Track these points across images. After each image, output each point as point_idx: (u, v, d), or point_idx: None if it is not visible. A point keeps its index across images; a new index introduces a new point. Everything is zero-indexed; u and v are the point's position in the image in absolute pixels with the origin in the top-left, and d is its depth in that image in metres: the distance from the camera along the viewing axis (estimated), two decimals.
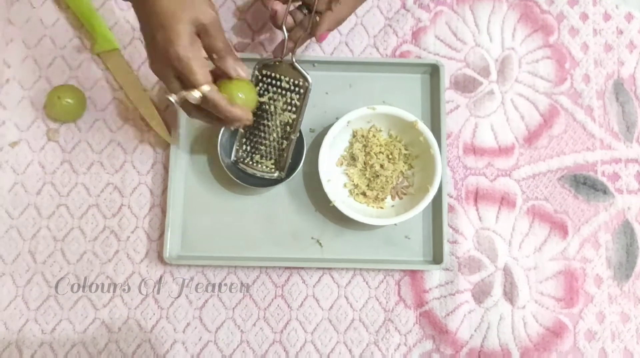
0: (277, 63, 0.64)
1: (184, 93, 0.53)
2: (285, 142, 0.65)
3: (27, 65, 0.73)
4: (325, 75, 0.72)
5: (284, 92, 0.64)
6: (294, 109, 0.64)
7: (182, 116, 0.70)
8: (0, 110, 0.71)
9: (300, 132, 0.67)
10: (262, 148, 0.66)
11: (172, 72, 0.52)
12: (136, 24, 0.74)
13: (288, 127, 0.65)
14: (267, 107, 0.64)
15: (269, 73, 0.64)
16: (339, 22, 0.62)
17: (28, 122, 0.71)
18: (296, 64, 0.63)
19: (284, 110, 0.64)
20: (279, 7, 0.60)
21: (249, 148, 0.67)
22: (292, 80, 0.64)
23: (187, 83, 0.52)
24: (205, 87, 0.52)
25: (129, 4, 0.55)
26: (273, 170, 0.67)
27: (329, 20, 0.60)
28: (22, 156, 0.70)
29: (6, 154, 0.70)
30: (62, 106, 0.68)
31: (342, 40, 0.75)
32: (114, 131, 0.71)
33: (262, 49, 0.74)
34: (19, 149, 0.71)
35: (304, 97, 0.64)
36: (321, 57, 0.73)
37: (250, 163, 0.67)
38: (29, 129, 0.71)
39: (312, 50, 0.74)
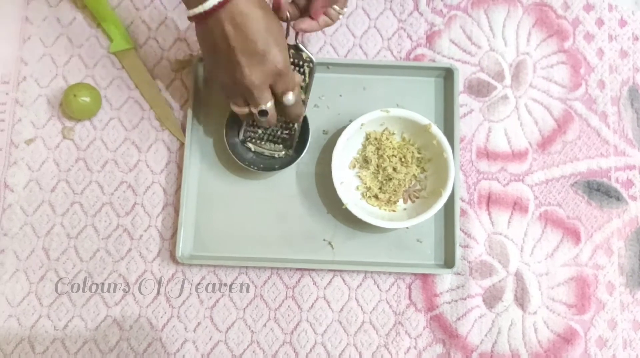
0: None
1: (251, 110, 0.60)
2: (292, 122, 0.67)
3: (44, 63, 0.73)
4: (339, 77, 0.73)
5: None
6: (302, 87, 0.64)
7: (196, 116, 0.71)
8: (17, 107, 0.72)
9: (305, 116, 0.67)
10: (270, 128, 0.68)
11: (271, 82, 0.57)
12: (152, 23, 0.74)
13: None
14: None
15: None
16: (333, 1, 0.61)
17: (44, 120, 0.72)
18: (300, 45, 0.63)
19: None
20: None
21: (256, 127, 0.68)
22: (296, 61, 0.64)
23: (285, 87, 0.58)
24: (297, 89, 0.60)
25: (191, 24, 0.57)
26: (281, 148, 0.69)
27: None
28: (37, 154, 0.71)
29: (22, 151, 0.71)
30: (78, 104, 0.69)
31: (356, 43, 0.75)
32: (129, 130, 0.72)
33: None
34: (34, 147, 0.71)
35: (309, 77, 0.64)
36: (335, 60, 0.73)
37: (258, 141, 0.68)
38: (45, 127, 0.72)
39: (326, 52, 0.74)
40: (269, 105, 0.59)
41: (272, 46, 0.55)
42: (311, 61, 0.64)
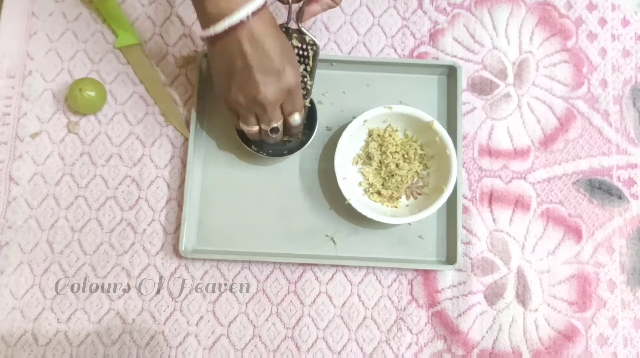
0: (284, 29, 0.63)
1: (262, 127, 0.62)
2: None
3: (50, 58, 0.74)
4: (342, 74, 0.73)
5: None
6: (305, 74, 0.65)
7: (200, 112, 0.71)
8: (23, 101, 0.73)
9: (312, 100, 0.67)
10: None
11: (282, 100, 0.59)
12: (157, 19, 0.75)
13: (304, 89, 0.66)
14: None
15: None
16: None
17: (49, 114, 0.72)
18: (303, 29, 0.63)
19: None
20: None
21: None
22: (300, 45, 0.64)
23: (293, 108, 0.60)
24: (303, 111, 0.63)
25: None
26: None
27: None
28: (42, 147, 0.72)
29: (27, 145, 0.72)
30: (83, 99, 0.69)
31: (359, 40, 0.75)
32: (133, 125, 0.72)
33: None
34: (39, 140, 0.72)
35: (313, 61, 0.64)
36: (339, 57, 0.73)
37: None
38: (50, 121, 0.72)
39: (330, 49, 0.75)
40: (279, 123, 0.61)
41: (287, 64, 0.56)
42: (314, 44, 0.64)
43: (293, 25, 0.63)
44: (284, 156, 0.69)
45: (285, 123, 0.62)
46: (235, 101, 0.59)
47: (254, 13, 0.52)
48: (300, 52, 0.64)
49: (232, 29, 0.52)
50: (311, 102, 0.68)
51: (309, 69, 0.65)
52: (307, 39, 0.64)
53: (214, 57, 0.57)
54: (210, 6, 0.52)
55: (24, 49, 0.74)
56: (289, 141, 0.69)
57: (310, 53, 0.64)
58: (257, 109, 0.59)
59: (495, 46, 0.75)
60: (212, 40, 0.55)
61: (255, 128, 0.62)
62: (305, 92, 0.66)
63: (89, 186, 0.71)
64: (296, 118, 0.61)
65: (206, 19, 0.53)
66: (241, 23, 0.52)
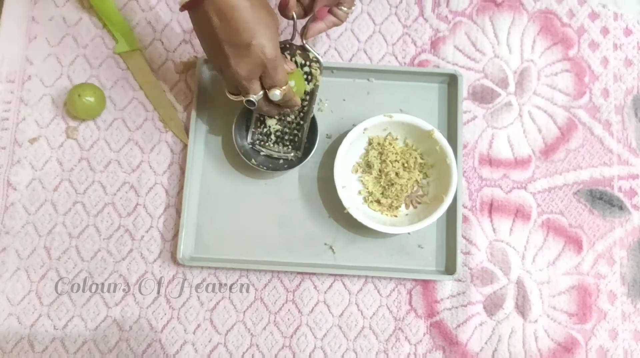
0: (288, 46, 0.64)
1: (264, 92, 0.59)
2: (300, 123, 0.67)
3: (49, 62, 0.73)
4: (343, 82, 0.73)
5: None
6: (308, 89, 0.65)
7: (199, 118, 0.71)
8: (22, 106, 0.72)
9: (313, 115, 0.67)
10: (278, 129, 0.68)
11: (259, 74, 0.56)
12: (157, 24, 0.75)
13: (302, 108, 0.66)
14: None
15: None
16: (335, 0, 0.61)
17: (48, 120, 0.72)
18: (306, 45, 0.63)
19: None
20: None
21: (265, 130, 0.68)
22: (304, 62, 0.64)
23: (272, 82, 0.57)
24: (286, 86, 0.59)
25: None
26: (289, 150, 0.69)
27: None
28: (40, 153, 0.71)
29: (25, 150, 0.71)
30: (82, 104, 0.69)
31: (360, 48, 0.75)
32: (132, 131, 0.72)
33: None
34: (38, 146, 0.71)
35: (317, 78, 0.64)
36: (340, 64, 0.73)
37: (267, 144, 0.69)
38: (49, 126, 0.72)
39: (331, 56, 0.74)
40: (256, 97, 0.58)
41: (258, 38, 0.54)
42: (318, 61, 0.64)
43: (297, 41, 0.63)
44: (284, 170, 0.69)
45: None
46: (216, 69, 0.58)
47: None
48: (304, 69, 0.64)
49: (199, 1, 0.52)
50: (313, 118, 0.67)
51: (312, 86, 0.64)
52: (311, 55, 0.64)
53: (194, 26, 0.57)
54: None
55: (24, 54, 0.74)
56: (286, 159, 0.69)
57: (316, 71, 0.64)
58: (232, 81, 0.58)
59: (496, 54, 0.75)
60: (186, 10, 0.54)
61: (240, 98, 0.60)
62: (307, 109, 0.66)
63: (87, 192, 0.71)
64: (275, 93, 0.58)
65: None
66: None
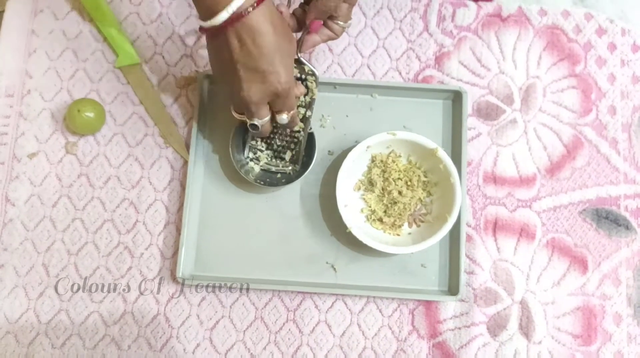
0: None
1: (270, 118, 0.60)
2: (297, 137, 0.66)
3: (49, 77, 0.73)
4: (345, 97, 0.72)
5: None
6: (303, 104, 0.64)
7: (200, 134, 0.70)
8: (21, 121, 0.72)
9: (311, 128, 0.67)
10: (275, 144, 0.68)
11: (269, 99, 0.57)
12: (158, 38, 0.74)
13: (302, 120, 0.65)
14: None
15: None
16: (325, 12, 0.60)
17: (47, 134, 0.71)
18: (302, 59, 0.63)
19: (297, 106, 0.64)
20: (284, 9, 0.59)
21: (261, 143, 0.68)
22: (300, 75, 0.63)
23: (282, 108, 0.58)
24: (294, 111, 0.60)
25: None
26: (287, 164, 0.68)
27: (315, 9, 0.59)
28: (39, 168, 0.70)
29: (24, 165, 0.70)
30: (81, 120, 0.68)
31: (364, 63, 0.74)
32: (132, 146, 0.71)
33: None
34: (37, 161, 0.71)
35: (313, 92, 0.64)
36: (342, 80, 0.72)
37: (264, 157, 0.68)
38: (48, 141, 0.71)
39: (333, 72, 0.73)
40: (261, 122, 0.59)
41: (276, 66, 0.54)
42: (314, 74, 0.63)
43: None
44: (282, 184, 0.68)
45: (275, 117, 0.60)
46: (225, 90, 0.58)
47: (243, 12, 0.50)
48: (300, 82, 0.63)
49: (223, 26, 0.51)
50: (311, 134, 0.67)
51: (308, 99, 0.64)
52: (307, 69, 0.63)
53: (209, 47, 0.57)
54: (207, 2, 0.51)
55: (23, 68, 0.73)
56: (284, 172, 0.68)
57: (313, 85, 0.63)
58: (241, 104, 0.58)
59: (502, 70, 0.74)
60: (204, 31, 0.54)
61: (243, 118, 0.60)
62: (305, 120, 0.65)
63: (87, 208, 0.70)
64: (283, 117, 0.59)
65: (201, 11, 0.53)
66: (235, 20, 0.51)
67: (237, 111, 0.61)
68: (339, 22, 0.62)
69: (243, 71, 0.54)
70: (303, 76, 0.63)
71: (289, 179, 0.68)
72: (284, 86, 0.55)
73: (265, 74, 0.54)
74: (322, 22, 0.62)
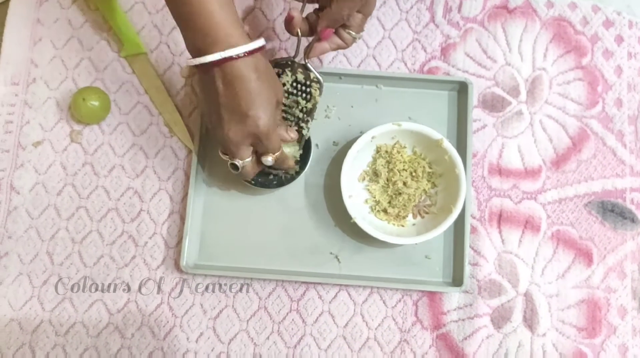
0: (290, 63, 0.63)
1: (257, 157, 0.61)
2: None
3: (54, 65, 0.73)
4: (351, 88, 0.72)
5: (296, 92, 0.63)
6: (305, 109, 0.64)
7: (205, 124, 0.70)
8: (26, 109, 0.72)
9: (309, 138, 0.67)
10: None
11: (250, 142, 0.58)
12: (164, 28, 0.74)
13: (300, 125, 0.64)
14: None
15: (280, 72, 0.63)
16: (337, 21, 0.60)
17: (52, 123, 0.71)
18: (308, 65, 0.63)
19: (297, 110, 0.64)
20: (296, 14, 0.59)
21: None
22: (304, 81, 0.63)
23: (265, 150, 0.59)
24: (279, 152, 0.60)
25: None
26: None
27: (327, 17, 0.60)
28: (44, 156, 0.71)
29: (29, 153, 0.71)
30: (86, 108, 0.68)
31: (369, 54, 0.74)
32: (137, 135, 0.71)
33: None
34: (41, 149, 0.71)
35: (315, 99, 0.63)
36: (348, 70, 0.72)
37: None
38: (53, 130, 0.71)
39: (339, 62, 0.73)
40: (242, 163, 0.59)
41: (256, 109, 0.55)
42: (319, 81, 0.63)
43: (300, 59, 0.62)
44: (273, 187, 0.67)
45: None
46: (208, 125, 0.59)
47: (233, 57, 0.53)
48: (304, 88, 0.63)
49: (212, 66, 0.53)
50: (307, 139, 0.66)
51: (310, 106, 0.63)
52: (312, 76, 0.63)
53: (199, 82, 0.58)
54: (197, 41, 0.53)
55: (29, 56, 0.73)
56: (276, 175, 0.67)
57: (315, 92, 0.63)
58: (222, 142, 0.59)
59: (508, 61, 0.73)
60: (195, 68, 0.56)
61: (225, 157, 0.61)
62: (303, 128, 0.64)
63: (91, 197, 0.70)
64: (268, 160, 0.60)
65: (190, 49, 0.55)
66: (220, 63, 0.53)
67: (222, 150, 0.61)
68: (351, 32, 0.62)
69: (224, 110, 0.55)
70: (308, 82, 0.63)
71: (280, 182, 0.67)
72: (262, 128, 0.56)
73: (244, 116, 0.55)
74: (333, 30, 0.62)
